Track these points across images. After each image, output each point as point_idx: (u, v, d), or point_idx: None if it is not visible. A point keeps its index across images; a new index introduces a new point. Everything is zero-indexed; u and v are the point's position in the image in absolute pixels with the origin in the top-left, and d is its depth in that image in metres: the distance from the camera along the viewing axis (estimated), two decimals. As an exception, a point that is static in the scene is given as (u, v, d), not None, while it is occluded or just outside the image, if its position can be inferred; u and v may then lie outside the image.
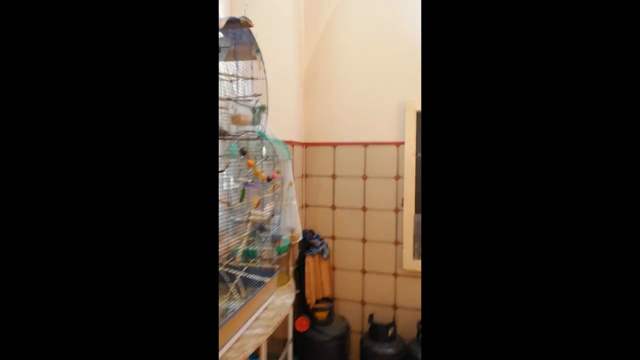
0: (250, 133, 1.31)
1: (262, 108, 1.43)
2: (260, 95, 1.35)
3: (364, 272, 2.28)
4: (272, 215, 1.47)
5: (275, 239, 1.67)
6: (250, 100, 1.35)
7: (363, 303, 2.29)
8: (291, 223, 1.94)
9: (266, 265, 1.59)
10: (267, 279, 1.42)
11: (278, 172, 1.50)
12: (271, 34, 2.00)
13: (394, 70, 2.14)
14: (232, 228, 1.57)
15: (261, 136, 1.82)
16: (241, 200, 1.51)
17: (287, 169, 1.94)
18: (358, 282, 2.30)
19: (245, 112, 1.20)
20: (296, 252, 2.16)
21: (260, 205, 1.54)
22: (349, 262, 2.32)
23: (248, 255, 1.54)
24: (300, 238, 2.00)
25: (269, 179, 1.37)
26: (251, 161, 1.17)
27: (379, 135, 2.19)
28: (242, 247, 1.41)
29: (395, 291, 2.21)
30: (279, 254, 1.68)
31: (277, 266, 1.55)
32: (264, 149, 1.73)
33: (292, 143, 2.08)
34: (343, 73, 2.25)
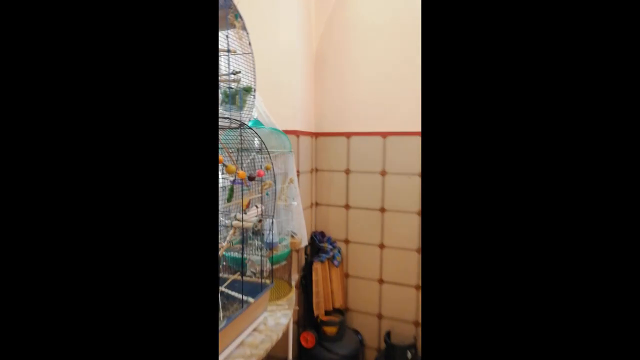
0: (222, 120, 1.05)
1: (248, 90, 1.16)
2: (238, 72, 1.09)
3: (381, 282, 1.99)
4: (260, 221, 1.21)
5: (270, 246, 1.42)
6: (226, 80, 1.08)
7: (380, 317, 2.00)
8: (292, 226, 1.67)
9: (258, 277, 1.34)
10: (252, 298, 1.17)
11: (267, 169, 1.23)
12: (272, 4, 1.72)
13: (418, 49, 1.79)
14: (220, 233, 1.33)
15: (256, 124, 1.56)
16: (229, 200, 1.27)
17: (289, 163, 1.67)
18: (374, 293, 2.01)
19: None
20: (302, 257, 1.90)
21: (249, 207, 1.29)
22: (364, 270, 2.03)
23: (231, 263, 1.30)
24: (305, 244, 1.73)
25: (251, 178, 1.11)
26: (219, 156, 0.92)
27: (401, 125, 1.86)
28: (220, 252, 1.17)
29: (418, 306, 1.90)
30: (273, 264, 1.42)
31: (267, 281, 1.29)
32: (255, 140, 1.47)
33: (297, 133, 1.81)
34: (360, 53, 1.93)
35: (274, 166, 1.65)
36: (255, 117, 1.58)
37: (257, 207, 1.20)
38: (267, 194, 1.26)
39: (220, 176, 1.18)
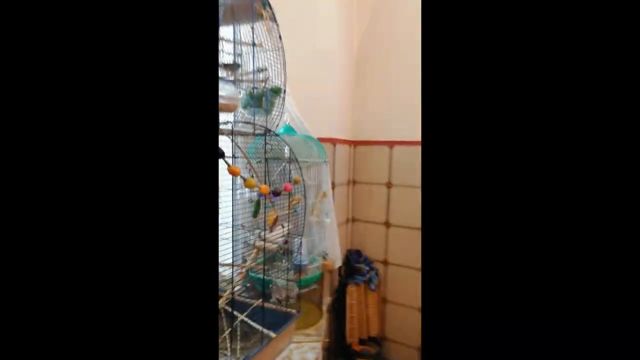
0: (244, 125, 0.91)
1: (276, 91, 1.01)
2: (264, 70, 0.94)
3: (424, 311, 1.74)
4: (286, 242, 1.05)
5: (299, 269, 1.26)
6: (249, 79, 0.94)
7: (421, 349, 1.76)
8: (324, 246, 1.50)
9: (284, 304, 1.18)
10: (274, 333, 1.00)
11: (296, 182, 1.07)
12: (309, 1, 1.58)
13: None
14: (243, 251, 1.20)
15: (287, 131, 1.41)
16: (254, 215, 1.12)
17: (323, 174, 1.50)
18: (415, 322, 1.77)
19: (231, 93, 0.80)
20: (335, 278, 1.71)
21: (276, 224, 1.14)
22: (404, 296, 1.80)
23: (257, 285, 1.15)
24: (338, 264, 1.54)
25: (276, 193, 0.95)
26: (234, 167, 0.77)
27: (452, 132, 1.62)
28: (238, 279, 1.02)
29: (468, 344, 1.63)
30: (301, 287, 1.26)
31: (294, 310, 1.12)
32: (286, 150, 1.31)
33: (333, 140, 1.64)
34: (407, 52, 1.72)
35: (306, 178, 1.49)
36: (287, 122, 1.44)
37: (282, 226, 1.04)
38: (295, 211, 1.10)
39: (236, 189, 1.04)
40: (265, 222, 1.02)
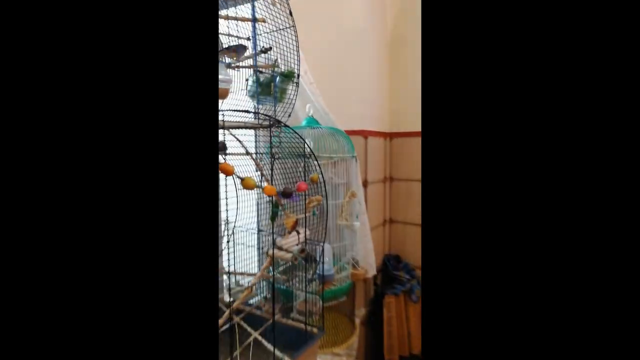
0: (247, 116, 0.77)
1: (288, 75, 0.87)
2: (269, 50, 0.79)
3: (476, 327, 1.50)
4: (303, 251, 0.90)
5: (322, 280, 1.11)
6: (244, 64, 0.80)
7: (474, 373, 1.52)
8: (355, 252, 1.33)
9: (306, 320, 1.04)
10: (289, 357, 0.86)
11: (313, 181, 0.92)
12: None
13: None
14: (262, 257, 1.08)
15: (310, 123, 1.26)
16: (273, 219, 0.99)
17: (352, 171, 1.33)
18: (467, 340, 1.53)
19: (226, 77, 0.67)
20: (370, 287, 1.54)
21: (296, 228, 1.00)
22: (452, 309, 1.57)
23: (283, 297, 1.02)
24: (372, 273, 1.37)
25: (286, 194, 0.81)
26: (226, 165, 0.63)
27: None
28: (243, 295, 0.90)
29: None
30: (326, 300, 1.10)
31: (315, 329, 0.98)
32: (308, 143, 1.16)
33: (365, 133, 1.46)
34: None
35: (333, 175, 1.33)
36: (310, 114, 1.29)
37: (298, 232, 0.90)
38: (313, 214, 0.95)
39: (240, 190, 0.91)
40: (273, 228, 0.89)
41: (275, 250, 0.91)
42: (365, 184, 1.47)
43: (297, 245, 0.90)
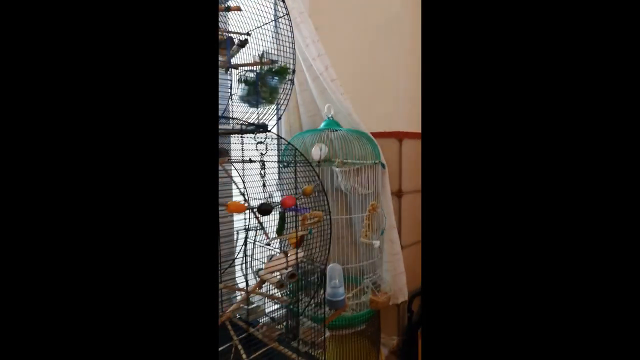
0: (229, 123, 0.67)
1: (281, 71, 0.75)
2: (245, 43, 0.68)
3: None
4: (293, 276, 0.77)
5: (331, 306, 0.97)
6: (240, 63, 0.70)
7: None
8: (377, 275, 1.15)
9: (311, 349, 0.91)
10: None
11: (306, 194, 0.78)
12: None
13: None
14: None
15: (330, 125, 1.12)
16: (279, 232, 0.89)
17: (378, 179, 1.15)
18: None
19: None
20: (404, 314, 1.33)
21: (302, 244, 0.88)
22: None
23: (292, 319, 0.92)
24: (402, 299, 1.17)
25: (264, 211, 0.68)
26: (237, 204, 0.53)
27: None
28: (230, 309, 0.81)
29: None
30: (336, 329, 0.96)
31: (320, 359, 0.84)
32: (321, 149, 1.02)
33: (399, 135, 1.27)
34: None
35: (354, 183, 1.17)
36: (329, 116, 1.15)
37: (285, 253, 0.77)
38: (310, 232, 0.82)
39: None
40: (255, 246, 0.77)
41: (264, 274, 0.80)
42: (399, 193, 1.28)
43: (284, 269, 0.77)
